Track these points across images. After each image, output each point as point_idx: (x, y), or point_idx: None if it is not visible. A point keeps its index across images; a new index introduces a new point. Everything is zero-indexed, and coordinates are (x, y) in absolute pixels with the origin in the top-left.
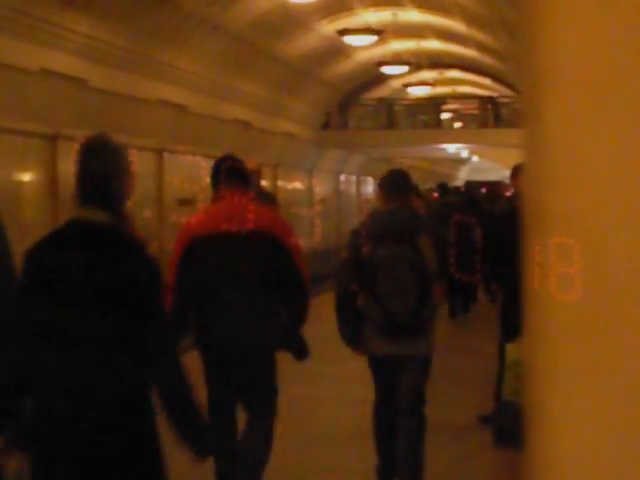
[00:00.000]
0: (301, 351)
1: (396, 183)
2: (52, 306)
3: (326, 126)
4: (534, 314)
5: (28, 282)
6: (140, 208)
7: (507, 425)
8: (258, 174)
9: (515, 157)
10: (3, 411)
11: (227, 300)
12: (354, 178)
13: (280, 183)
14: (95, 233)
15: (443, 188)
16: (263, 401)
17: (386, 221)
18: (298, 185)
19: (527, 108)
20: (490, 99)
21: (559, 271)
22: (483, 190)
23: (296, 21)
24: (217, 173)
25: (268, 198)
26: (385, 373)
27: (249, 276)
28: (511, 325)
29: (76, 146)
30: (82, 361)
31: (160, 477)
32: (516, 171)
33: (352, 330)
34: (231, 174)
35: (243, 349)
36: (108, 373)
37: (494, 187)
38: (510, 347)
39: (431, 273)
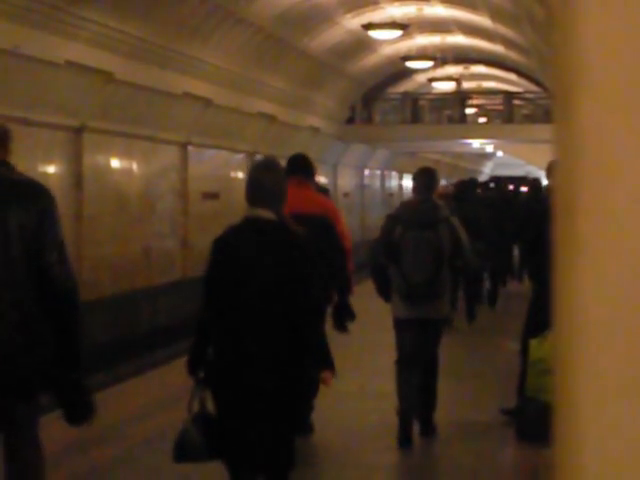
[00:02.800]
0: (351, 315)
1: (422, 179)
2: (232, 276)
3: (351, 120)
4: (564, 309)
5: (216, 260)
6: (165, 201)
7: (529, 421)
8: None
9: (540, 153)
10: (196, 356)
11: None
12: (378, 173)
13: None
14: (266, 226)
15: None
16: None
17: (413, 211)
18: (322, 179)
19: (559, 102)
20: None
21: (591, 268)
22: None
23: (321, 15)
24: (287, 166)
25: (322, 190)
26: (406, 333)
27: None
28: (537, 322)
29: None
30: (252, 313)
31: (301, 407)
32: (551, 168)
33: (386, 290)
34: (294, 167)
35: None
36: (270, 321)
37: (535, 183)
38: (533, 343)
39: (447, 255)
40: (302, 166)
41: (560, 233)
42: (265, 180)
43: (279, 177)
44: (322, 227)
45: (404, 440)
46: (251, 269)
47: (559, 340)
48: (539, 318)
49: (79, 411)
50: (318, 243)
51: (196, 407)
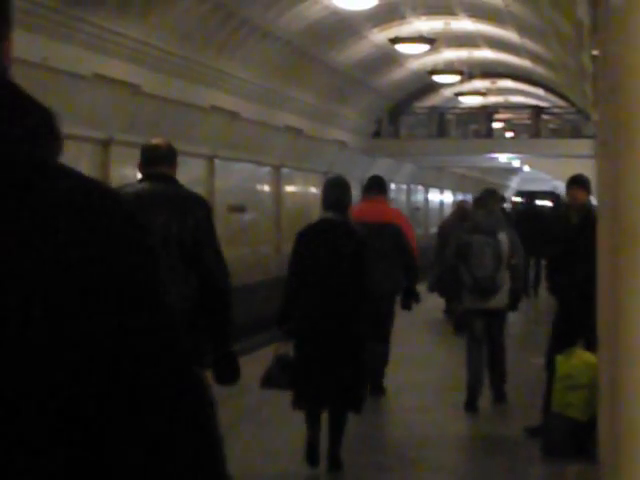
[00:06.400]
0: (416, 299)
1: (484, 197)
2: (314, 259)
3: (377, 134)
4: (615, 326)
5: (300, 250)
6: None
7: (556, 437)
8: None
9: (567, 168)
10: (284, 316)
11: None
12: (404, 187)
13: None
14: (335, 225)
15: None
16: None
17: (479, 220)
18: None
19: (607, 118)
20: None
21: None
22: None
23: (348, 29)
24: (366, 184)
25: None
26: (475, 320)
27: (383, 250)
28: (564, 337)
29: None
30: (329, 286)
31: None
32: (571, 182)
33: (453, 287)
34: (372, 186)
35: (382, 290)
36: (342, 292)
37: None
38: (560, 359)
39: (505, 256)
40: (378, 185)
41: (624, 260)
42: (334, 192)
43: (344, 190)
44: (393, 232)
45: (470, 406)
46: (325, 253)
47: (610, 356)
48: (565, 333)
49: (228, 375)
50: (387, 243)
51: (280, 351)
